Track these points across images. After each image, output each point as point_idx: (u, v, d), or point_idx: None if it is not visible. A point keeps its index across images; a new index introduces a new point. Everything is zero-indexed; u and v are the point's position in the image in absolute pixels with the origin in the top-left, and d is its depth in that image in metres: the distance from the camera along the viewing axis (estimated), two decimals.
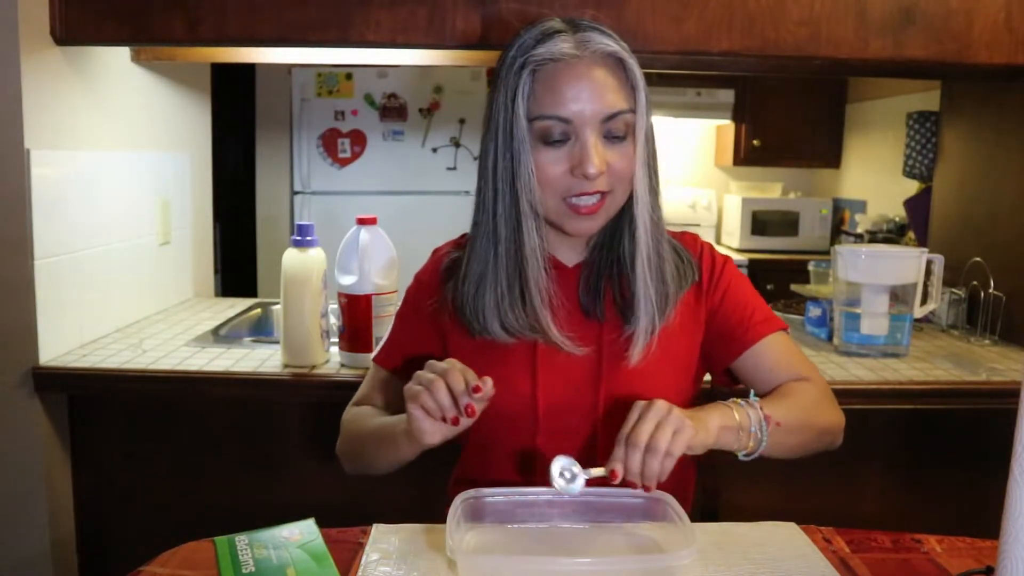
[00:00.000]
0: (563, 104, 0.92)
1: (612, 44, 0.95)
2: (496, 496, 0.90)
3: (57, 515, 1.54)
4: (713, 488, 1.56)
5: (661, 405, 0.86)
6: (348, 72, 3.50)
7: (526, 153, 0.94)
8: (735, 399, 0.95)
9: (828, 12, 1.50)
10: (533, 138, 0.95)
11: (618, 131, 0.94)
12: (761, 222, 4.00)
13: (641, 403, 0.87)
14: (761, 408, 0.94)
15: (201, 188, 2.30)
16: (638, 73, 0.96)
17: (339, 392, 1.46)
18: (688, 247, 1.08)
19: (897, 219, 3.35)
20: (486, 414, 0.91)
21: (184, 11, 1.47)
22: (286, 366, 1.50)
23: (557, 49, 0.93)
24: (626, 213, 1.00)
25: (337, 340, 1.54)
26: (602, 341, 1.02)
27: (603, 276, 1.03)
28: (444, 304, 1.06)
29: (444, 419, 0.88)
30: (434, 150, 3.57)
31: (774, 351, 1.05)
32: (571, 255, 1.06)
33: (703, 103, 3.99)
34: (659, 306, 1.00)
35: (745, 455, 0.95)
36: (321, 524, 0.95)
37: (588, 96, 0.92)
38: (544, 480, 0.87)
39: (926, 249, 1.71)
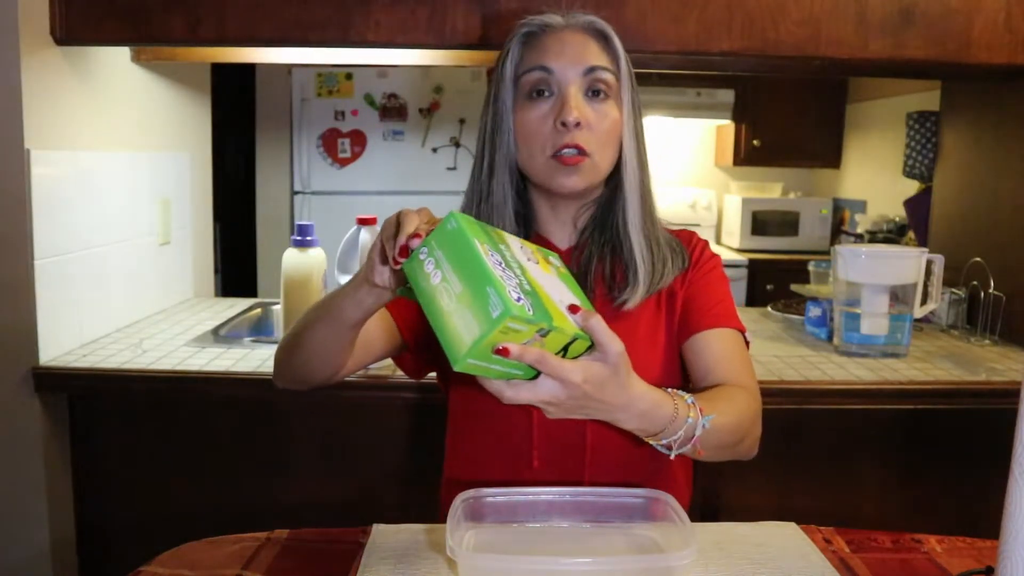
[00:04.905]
0: (546, 57, 0.98)
1: (599, 22, 1.01)
2: (496, 496, 0.90)
3: (57, 515, 1.54)
4: (713, 488, 1.56)
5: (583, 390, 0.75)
6: (348, 72, 3.50)
7: (507, 112, 1.00)
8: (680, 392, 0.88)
9: (828, 12, 1.50)
10: (519, 96, 1.00)
11: (600, 87, 0.99)
12: (761, 222, 4.00)
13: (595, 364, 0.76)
14: (701, 411, 0.86)
15: (201, 188, 2.30)
16: (620, 49, 1.01)
17: (339, 391, 1.46)
18: (684, 241, 1.10)
19: (897, 219, 3.35)
20: (474, 401, 0.89)
21: (184, 11, 1.47)
22: None
23: (544, 19, 1.01)
24: (617, 187, 1.03)
25: None
26: None
27: (594, 256, 1.04)
28: None
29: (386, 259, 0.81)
30: (434, 150, 3.57)
31: (724, 346, 1.03)
32: (563, 236, 1.08)
33: (703, 103, 3.99)
34: (656, 269, 1.02)
35: (663, 447, 0.86)
36: (321, 524, 0.95)
37: (570, 51, 0.98)
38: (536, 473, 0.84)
39: (926, 249, 1.71)
